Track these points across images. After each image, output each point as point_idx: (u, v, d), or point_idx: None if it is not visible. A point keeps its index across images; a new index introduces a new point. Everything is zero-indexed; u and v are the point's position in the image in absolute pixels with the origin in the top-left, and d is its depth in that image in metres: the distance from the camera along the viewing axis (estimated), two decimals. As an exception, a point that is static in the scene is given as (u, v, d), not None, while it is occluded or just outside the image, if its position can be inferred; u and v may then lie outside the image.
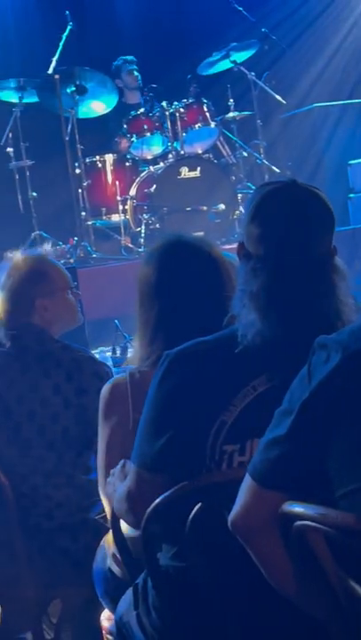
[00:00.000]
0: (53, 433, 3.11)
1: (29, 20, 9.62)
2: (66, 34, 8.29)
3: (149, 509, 2.08)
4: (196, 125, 8.34)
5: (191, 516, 2.01)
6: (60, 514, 3.10)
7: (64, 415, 3.12)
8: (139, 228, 8.21)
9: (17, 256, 3.29)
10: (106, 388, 2.61)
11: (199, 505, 2.01)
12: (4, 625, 3.08)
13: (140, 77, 8.91)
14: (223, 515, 1.92)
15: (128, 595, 2.31)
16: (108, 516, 2.59)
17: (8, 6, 9.59)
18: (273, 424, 1.86)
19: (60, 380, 3.13)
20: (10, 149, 8.31)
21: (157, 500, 2.07)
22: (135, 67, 8.89)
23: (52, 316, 3.24)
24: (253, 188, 8.28)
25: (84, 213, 8.28)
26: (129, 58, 8.93)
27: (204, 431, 2.08)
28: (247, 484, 1.87)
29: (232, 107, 8.67)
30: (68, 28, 8.31)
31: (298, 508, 1.77)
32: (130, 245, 8.24)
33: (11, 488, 2.99)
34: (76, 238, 8.11)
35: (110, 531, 2.54)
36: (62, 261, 7.57)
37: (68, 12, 8.40)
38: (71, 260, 7.85)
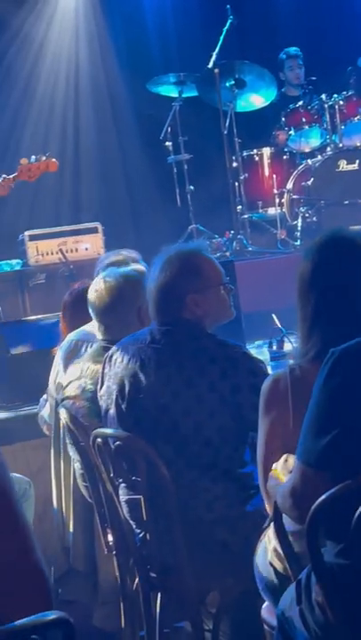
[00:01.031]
0: (210, 429, 3.10)
1: (190, 15, 9.70)
2: (226, 28, 8.30)
3: (314, 506, 2.08)
4: (356, 118, 8.22)
5: (357, 515, 2.00)
6: (218, 506, 3.12)
7: (220, 412, 3.09)
8: (295, 222, 8.17)
9: (171, 250, 3.28)
10: (267, 384, 2.62)
11: (365, 504, 2.00)
12: (162, 613, 3.14)
13: (302, 74, 8.86)
14: (391, 514, 1.91)
15: (291, 590, 2.31)
16: (268, 511, 2.60)
17: (169, 2, 9.69)
18: None
19: (215, 378, 3.10)
20: (168, 143, 8.43)
21: (322, 497, 2.07)
22: (300, 62, 8.84)
23: (202, 311, 3.22)
24: None
25: (240, 207, 8.31)
26: (292, 52, 8.88)
27: (370, 430, 2.06)
28: None
29: (393, 98, 8.52)
30: (229, 21, 8.31)
31: None
32: (286, 239, 8.21)
33: (171, 480, 3.03)
34: (232, 231, 8.15)
35: (271, 524, 2.56)
36: (218, 254, 7.63)
37: (228, 7, 8.41)
38: (227, 254, 7.90)
